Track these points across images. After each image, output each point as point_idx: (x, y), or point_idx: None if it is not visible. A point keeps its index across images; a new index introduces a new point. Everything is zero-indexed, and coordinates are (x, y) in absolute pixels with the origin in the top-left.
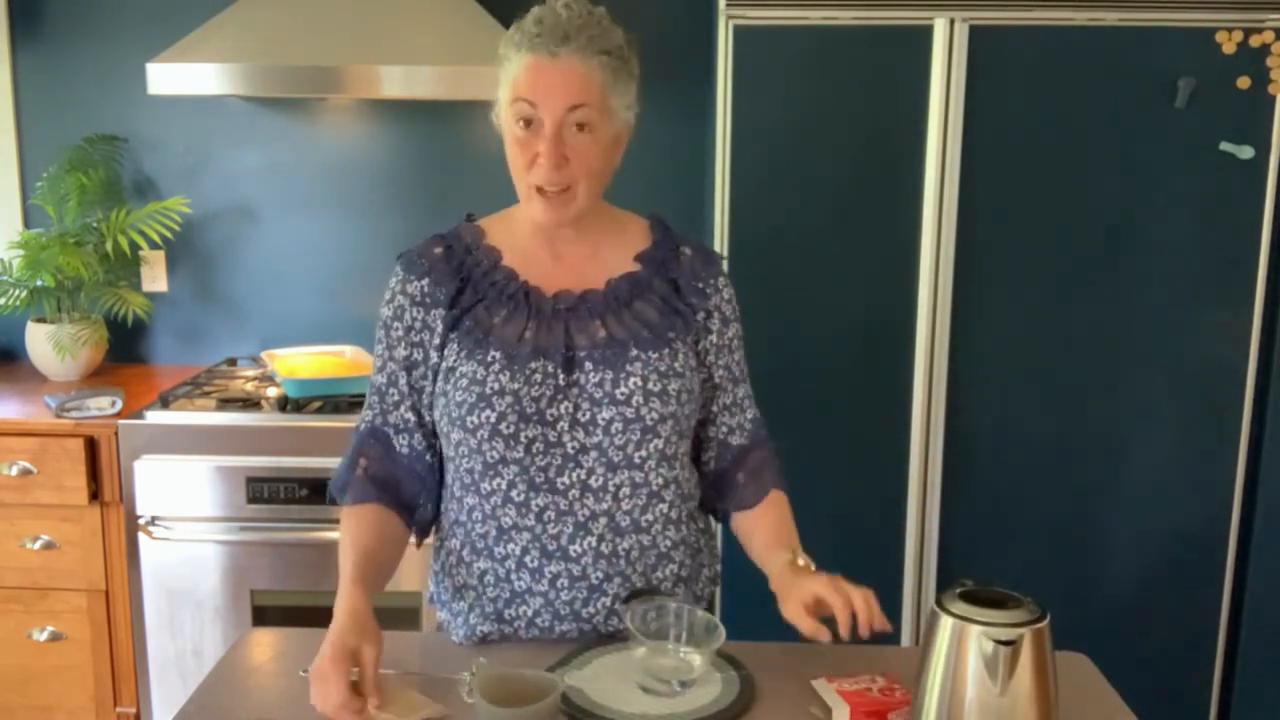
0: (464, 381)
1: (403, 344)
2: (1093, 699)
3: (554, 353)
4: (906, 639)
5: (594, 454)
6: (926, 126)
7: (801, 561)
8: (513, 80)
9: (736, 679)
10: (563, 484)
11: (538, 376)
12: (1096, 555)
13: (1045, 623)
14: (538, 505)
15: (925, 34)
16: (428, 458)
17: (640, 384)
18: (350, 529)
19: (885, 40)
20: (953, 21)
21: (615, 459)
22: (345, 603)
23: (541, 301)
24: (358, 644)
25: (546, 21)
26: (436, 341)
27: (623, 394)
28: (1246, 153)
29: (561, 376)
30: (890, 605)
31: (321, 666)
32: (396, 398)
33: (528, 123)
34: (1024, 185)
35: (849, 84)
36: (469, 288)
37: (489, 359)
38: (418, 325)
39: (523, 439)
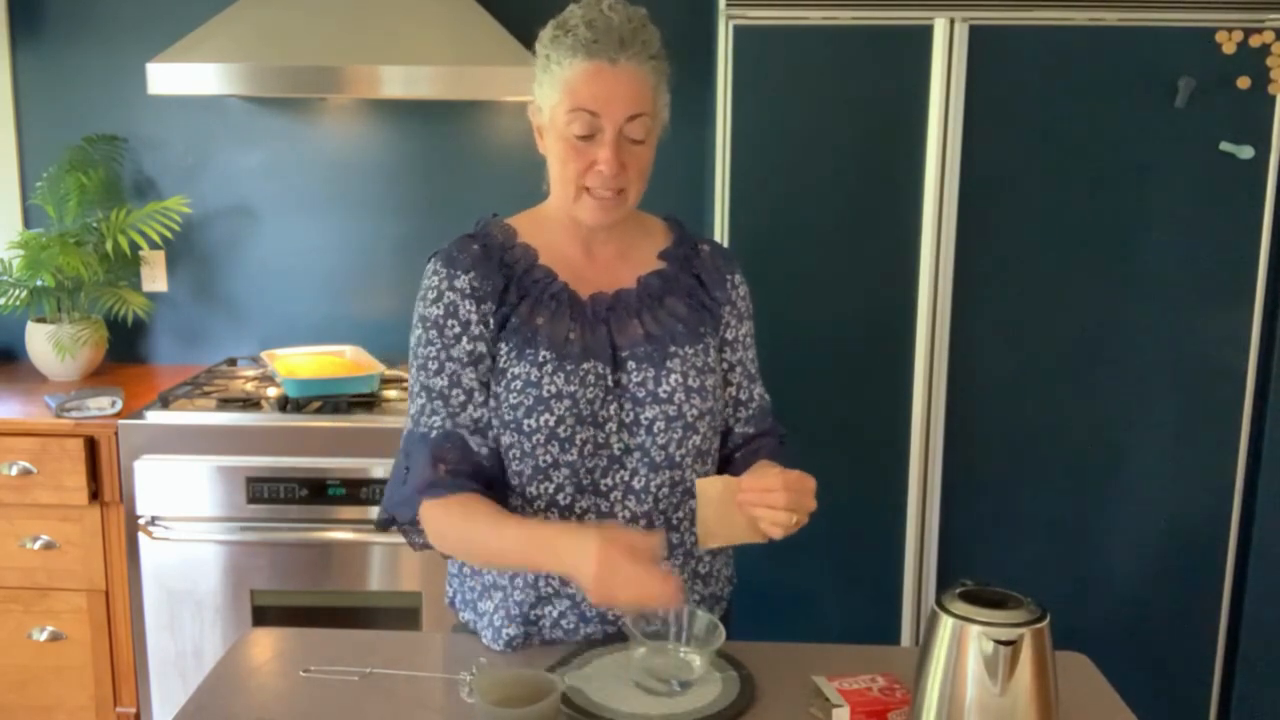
0: (517, 384)
1: (464, 339)
2: (1093, 699)
3: (602, 352)
4: (906, 639)
5: (638, 454)
6: (926, 126)
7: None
8: (568, 86)
9: (736, 679)
10: (606, 485)
11: (590, 378)
12: (1096, 555)
13: (1045, 623)
14: (581, 508)
15: (925, 34)
16: (500, 455)
17: (681, 380)
18: (473, 513)
19: (885, 40)
20: (953, 21)
21: (658, 459)
22: (553, 530)
23: (581, 303)
24: (621, 537)
25: (599, 26)
26: (492, 334)
27: (665, 392)
28: (1246, 153)
29: (610, 377)
30: (890, 605)
31: (619, 578)
32: (462, 397)
33: (588, 132)
34: (1024, 185)
35: (849, 84)
36: (513, 284)
37: (540, 359)
38: (474, 319)
39: (577, 441)
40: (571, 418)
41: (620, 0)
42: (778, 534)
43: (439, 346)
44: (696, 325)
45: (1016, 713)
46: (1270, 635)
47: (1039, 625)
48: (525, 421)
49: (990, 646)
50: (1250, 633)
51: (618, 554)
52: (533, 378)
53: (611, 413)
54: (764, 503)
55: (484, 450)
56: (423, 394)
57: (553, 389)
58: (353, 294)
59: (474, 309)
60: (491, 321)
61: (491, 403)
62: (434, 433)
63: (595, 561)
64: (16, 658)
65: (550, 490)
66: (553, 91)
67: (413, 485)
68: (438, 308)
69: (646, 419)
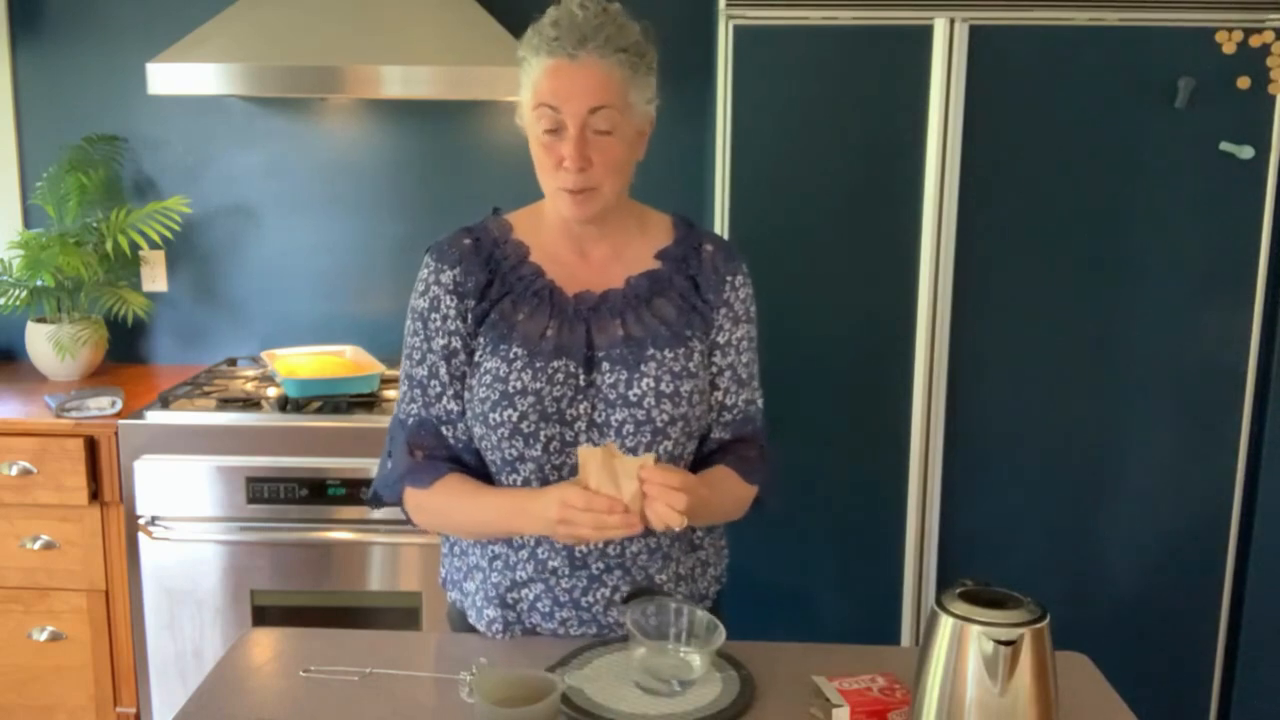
0: (487, 378)
1: (441, 334)
2: (1093, 699)
3: (576, 352)
4: (906, 639)
5: None
6: (926, 126)
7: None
8: (534, 85)
9: (736, 679)
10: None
11: (559, 376)
12: (1096, 555)
13: (1045, 623)
14: None
15: (925, 34)
16: (474, 446)
17: (653, 385)
18: (452, 494)
19: (885, 40)
20: (953, 21)
21: None
22: (526, 495)
23: (564, 301)
24: (561, 488)
25: (563, 23)
26: (472, 329)
27: (635, 395)
28: (1246, 153)
29: (582, 377)
30: (890, 605)
31: (569, 511)
32: (439, 389)
33: (552, 126)
34: (1024, 185)
35: (849, 84)
36: (497, 280)
37: (511, 355)
38: (453, 314)
39: (541, 437)
40: (535, 414)
41: None
42: (660, 527)
43: (422, 337)
44: (682, 328)
45: (1016, 713)
46: (1270, 635)
47: (1039, 625)
48: (490, 415)
49: (990, 646)
50: (1250, 633)
51: (574, 497)
52: (501, 373)
53: (581, 411)
54: (666, 500)
55: (454, 441)
56: (406, 382)
57: (519, 385)
58: (353, 294)
59: (454, 304)
60: (470, 317)
61: (466, 395)
62: (411, 420)
63: (556, 507)
64: (16, 658)
65: (518, 483)
66: (525, 91)
67: (395, 472)
68: (424, 300)
69: (616, 420)
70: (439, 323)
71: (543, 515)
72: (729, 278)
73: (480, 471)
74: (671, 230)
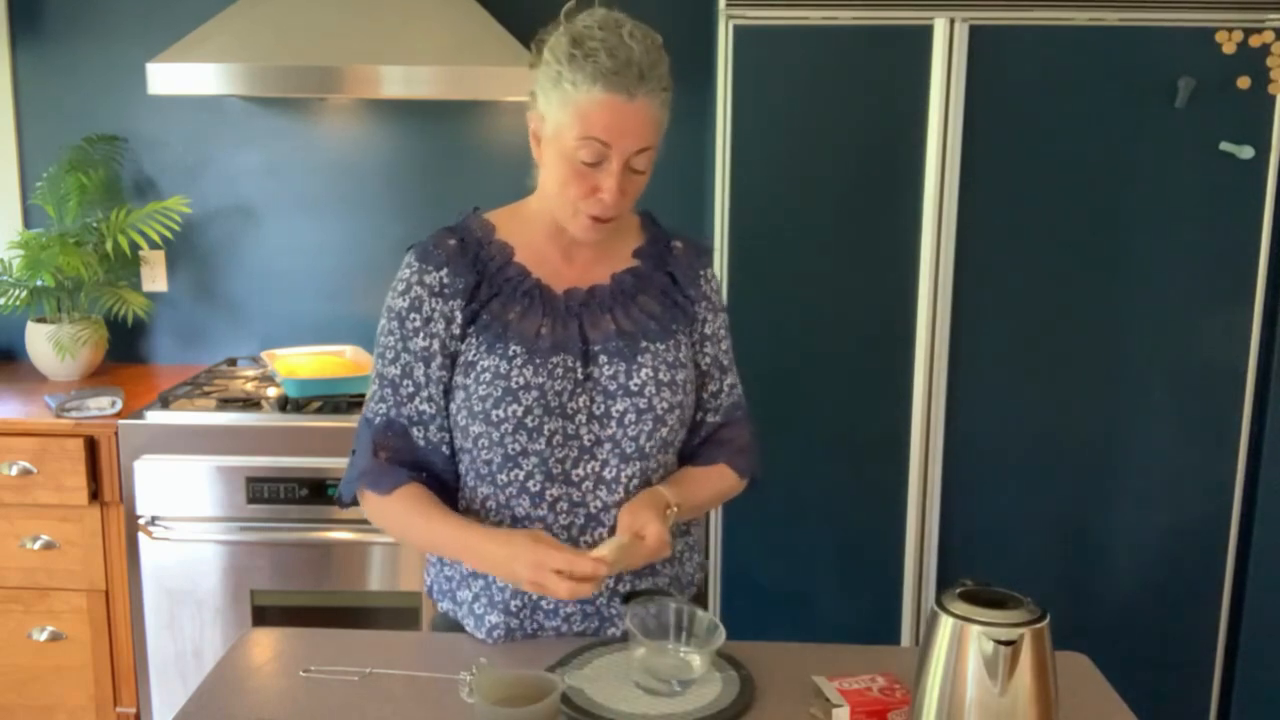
0: (486, 376)
1: (420, 335)
2: (1093, 699)
3: (572, 346)
4: (906, 639)
5: (608, 446)
6: (926, 126)
7: (669, 511)
8: (581, 111)
9: (736, 679)
10: (577, 475)
11: (559, 370)
12: (1096, 555)
13: (1045, 623)
14: (552, 495)
15: (925, 34)
16: (444, 449)
17: (652, 374)
18: (409, 507)
19: (885, 40)
20: (953, 21)
21: (628, 450)
22: (481, 535)
23: (554, 299)
24: (532, 542)
25: (620, 56)
26: (456, 332)
27: (636, 385)
28: (1246, 153)
29: (580, 370)
30: (890, 605)
31: (544, 574)
32: (411, 389)
33: (596, 159)
34: (1024, 185)
35: (849, 84)
36: (485, 282)
37: (510, 353)
38: (436, 316)
39: (545, 431)
40: (539, 408)
41: (638, 24)
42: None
43: (398, 337)
44: (669, 322)
45: (1016, 713)
46: (1270, 635)
47: (1039, 625)
48: (494, 412)
49: (990, 646)
50: (1250, 633)
51: (555, 560)
52: (502, 370)
53: (581, 405)
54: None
55: (422, 442)
56: (376, 380)
57: (521, 381)
58: (353, 294)
59: (439, 306)
60: (459, 317)
61: (460, 395)
62: (378, 420)
63: (529, 569)
64: (16, 658)
65: (520, 478)
66: (562, 110)
67: (355, 470)
68: (404, 300)
69: (617, 411)
70: (418, 324)
71: (501, 563)
72: (701, 272)
73: (444, 478)
74: (640, 228)
